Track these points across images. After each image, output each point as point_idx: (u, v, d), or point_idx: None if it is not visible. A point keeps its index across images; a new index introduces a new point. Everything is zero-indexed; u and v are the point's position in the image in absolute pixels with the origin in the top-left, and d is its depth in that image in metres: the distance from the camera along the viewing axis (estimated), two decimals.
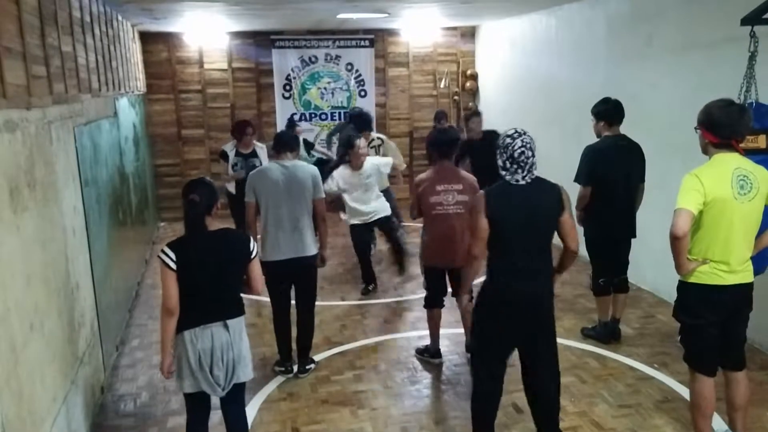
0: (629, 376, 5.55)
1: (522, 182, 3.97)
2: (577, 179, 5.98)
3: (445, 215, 5.53)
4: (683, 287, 4.15)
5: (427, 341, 6.01)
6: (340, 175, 7.49)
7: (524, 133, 3.99)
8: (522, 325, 4.08)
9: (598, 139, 6.05)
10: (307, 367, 5.78)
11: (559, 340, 4.36)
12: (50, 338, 4.02)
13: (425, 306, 5.98)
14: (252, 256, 4.07)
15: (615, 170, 5.85)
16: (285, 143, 5.67)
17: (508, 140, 3.96)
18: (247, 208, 5.54)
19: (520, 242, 3.97)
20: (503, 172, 4.01)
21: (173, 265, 3.82)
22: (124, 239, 7.35)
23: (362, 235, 7.76)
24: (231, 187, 8.37)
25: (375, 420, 4.98)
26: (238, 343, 3.98)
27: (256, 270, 4.13)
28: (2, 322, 3.18)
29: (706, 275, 4.01)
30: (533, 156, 3.96)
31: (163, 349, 3.93)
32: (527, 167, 3.95)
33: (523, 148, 3.92)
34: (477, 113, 9.21)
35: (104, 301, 5.71)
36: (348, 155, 7.46)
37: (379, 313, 7.14)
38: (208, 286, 3.90)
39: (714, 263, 3.98)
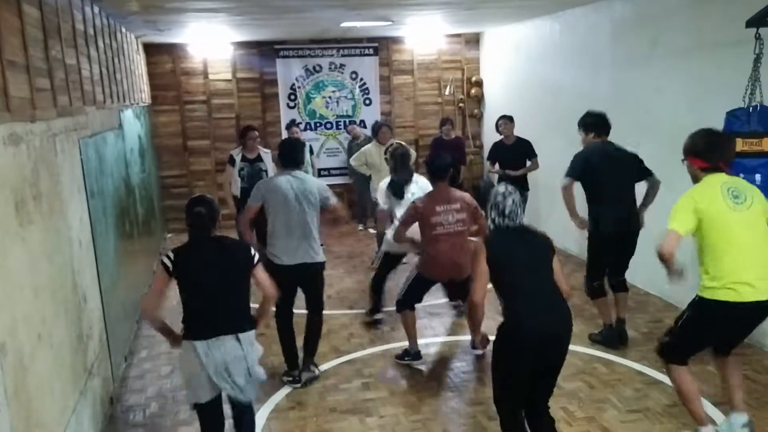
0: (637, 380, 5.52)
1: (512, 225, 4.12)
2: (566, 175, 6.13)
3: (447, 234, 5.69)
4: (702, 301, 4.15)
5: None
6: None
7: (514, 192, 4.20)
8: (542, 362, 4.00)
9: None
10: (311, 368, 5.79)
11: None
12: (59, 350, 4.03)
13: (398, 309, 6.08)
14: (255, 262, 4.15)
15: (607, 169, 5.97)
16: (293, 160, 5.71)
17: (500, 198, 4.15)
18: (246, 209, 5.67)
19: (528, 276, 4.02)
20: (493, 225, 4.18)
21: (171, 268, 3.95)
22: (131, 250, 7.36)
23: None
24: (236, 190, 8.48)
25: (383, 428, 4.97)
26: (251, 354, 4.04)
27: (261, 275, 4.22)
28: (10, 334, 3.19)
29: (722, 292, 4.02)
30: (522, 213, 4.18)
31: (164, 333, 4.19)
32: (516, 218, 4.13)
33: (513, 206, 4.13)
34: (506, 117, 9.58)
35: (112, 313, 5.72)
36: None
37: (386, 321, 7.11)
38: (213, 294, 3.97)
39: (731, 281, 4.00)
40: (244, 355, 3.98)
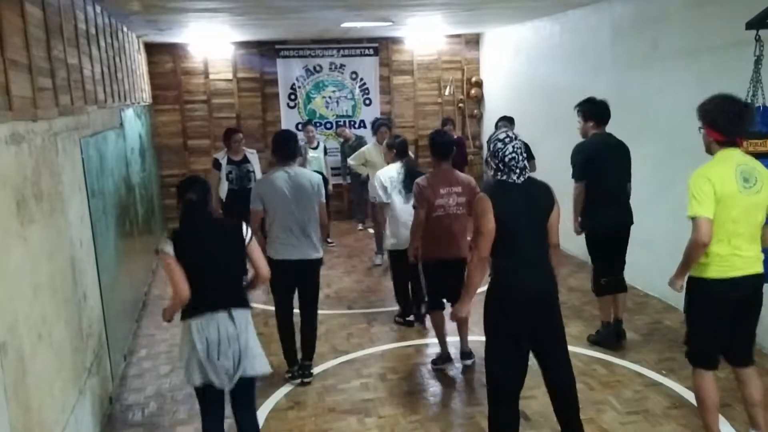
0: (637, 382, 5.52)
1: (518, 181, 4.02)
2: (572, 176, 6.06)
3: (447, 216, 5.63)
4: (694, 282, 4.17)
5: (431, 349, 6.01)
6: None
7: (515, 138, 4.05)
8: (534, 321, 4.05)
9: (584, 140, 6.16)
10: (311, 371, 5.79)
11: None
12: (58, 349, 4.03)
13: (426, 311, 6.05)
14: (247, 241, 4.15)
15: (607, 166, 5.94)
16: (285, 152, 5.63)
17: (500, 145, 4.03)
18: (252, 215, 5.52)
19: (526, 237, 4.01)
20: (498, 174, 4.08)
21: (172, 253, 3.93)
22: (130, 249, 7.37)
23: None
24: (222, 194, 8.47)
25: (382, 428, 4.97)
26: (244, 334, 4.01)
27: (256, 253, 4.24)
28: (10, 333, 3.20)
29: (714, 269, 4.03)
30: (524, 159, 4.04)
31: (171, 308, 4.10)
32: (518, 169, 4.01)
33: (513, 154, 4.00)
34: (507, 118, 9.41)
35: (112, 311, 5.72)
36: None
37: (385, 321, 7.11)
38: (207, 274, 3.99)
39: (722, 257, 4.01)
40: (237, 333, 3.96)
